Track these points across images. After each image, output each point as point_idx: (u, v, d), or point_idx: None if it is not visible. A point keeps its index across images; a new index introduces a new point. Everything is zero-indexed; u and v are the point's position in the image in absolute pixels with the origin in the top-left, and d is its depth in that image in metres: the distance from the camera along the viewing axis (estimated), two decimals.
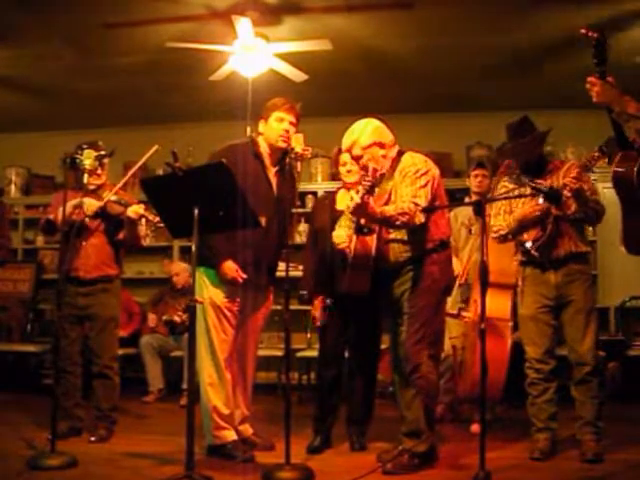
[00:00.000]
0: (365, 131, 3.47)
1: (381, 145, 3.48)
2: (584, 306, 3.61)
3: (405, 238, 3.42)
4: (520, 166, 3.77)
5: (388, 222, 3.31)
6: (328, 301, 3.90)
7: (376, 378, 4.03)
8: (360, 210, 3.20)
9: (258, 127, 3.79)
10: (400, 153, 3.50)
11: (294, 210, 6.38)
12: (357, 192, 3.19)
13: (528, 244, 3.61)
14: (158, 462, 3.53)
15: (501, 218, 3.73)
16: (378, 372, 4.05)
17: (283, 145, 3.69)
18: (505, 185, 3.78)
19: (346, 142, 3.51)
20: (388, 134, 3.53)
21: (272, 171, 3.77)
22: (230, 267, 3.60)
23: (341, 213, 3.83)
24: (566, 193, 3.46)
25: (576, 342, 3.58)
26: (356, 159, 3.53)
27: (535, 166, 3.72)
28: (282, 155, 3.77)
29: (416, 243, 3.41)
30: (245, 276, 3.63)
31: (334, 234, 3.73)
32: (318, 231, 4.03)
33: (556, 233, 3.59)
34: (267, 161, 3.76)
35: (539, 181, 3.53)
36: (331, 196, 4.08)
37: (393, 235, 3.45)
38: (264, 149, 3.75)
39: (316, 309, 3.98)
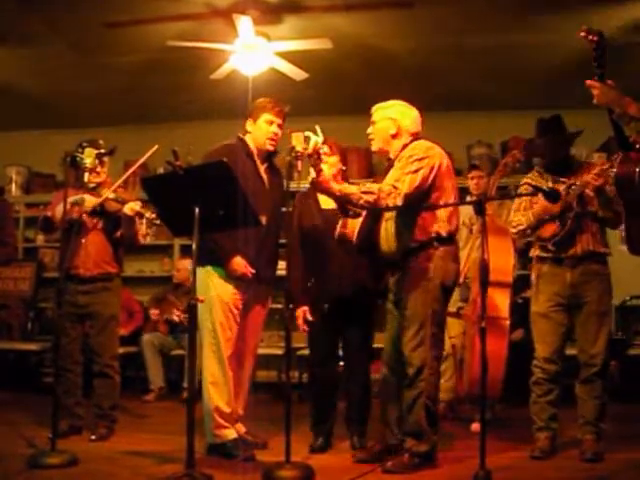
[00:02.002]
0: (396, 107, 3.50)
1: (395, 123, 3.45)
2: (598, 308, 3.59)
3: (399, 224, 3.36)
4: (546, 163, 3.78)
5: (350, 200, 3.24)
6: (326, 306, 3.76)
7: (370, 379, 3.91)
8: (316, 185, 3.15)
9: (245, 126, 3.79)
10: (412, 141, 3.45)
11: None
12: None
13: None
14: (158, 461, 3.53)
15: (520, 214, 3.73)
16: (373, 372, 3.97)
17: (271, 148, 3.73)
18: (528, 182, 3.74)
19: (376, 105, 3.53)
20: (412, 122, 3.48)
21: (262, 169, 3.78)
22: (239, 263, 3.59)
23: (332, 211, 3.71)
24: (588, 192, 3.49)
25: (587, 344, 3.57)
26: (371, 123, 3.52)
27: (561, 165, 3.72)
28: (268, 153, 3.79)
29: (408, 232, 3.33)
30: (254, 271, 3.62)
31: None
32: (307, 233, 3.86)
33: (576, 230, 3.58)
34: (257, 159, 3.77)
35: (563, 179, 3.60)
36: (313, 194, 3.85)
37: (388, 223, 3.40)
38: (253, 148, 3.76)
39: (300, 319, 3.79)
